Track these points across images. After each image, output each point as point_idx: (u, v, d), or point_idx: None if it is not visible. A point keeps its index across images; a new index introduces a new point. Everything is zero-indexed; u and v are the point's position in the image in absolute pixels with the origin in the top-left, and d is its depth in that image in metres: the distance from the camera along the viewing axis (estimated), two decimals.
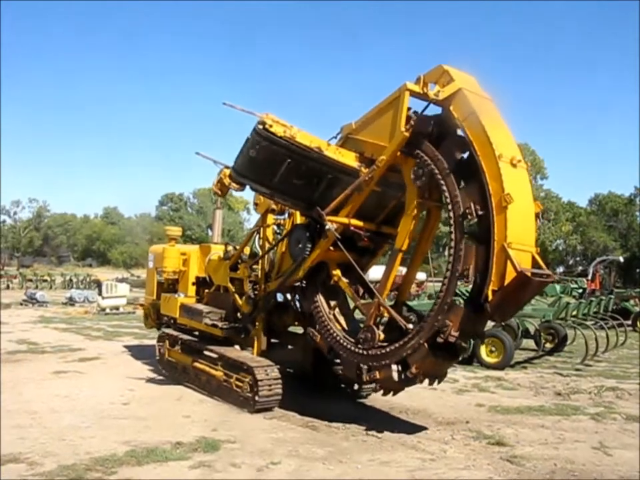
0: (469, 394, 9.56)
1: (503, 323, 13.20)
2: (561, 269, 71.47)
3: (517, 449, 6.60)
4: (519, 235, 6.16)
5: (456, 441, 6.87)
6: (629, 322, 19.43)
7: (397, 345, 6.79)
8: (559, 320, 12.62)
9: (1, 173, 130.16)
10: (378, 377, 6.95)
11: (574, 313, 13.32)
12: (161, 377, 9.96)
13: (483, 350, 12.02)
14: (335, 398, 8.96)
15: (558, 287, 23.30)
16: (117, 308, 22.37)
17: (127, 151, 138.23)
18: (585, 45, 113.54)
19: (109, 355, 12.34)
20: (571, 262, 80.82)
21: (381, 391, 7.45)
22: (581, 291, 22.78)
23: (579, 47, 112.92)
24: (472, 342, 12.00)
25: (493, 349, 11.96)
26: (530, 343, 14.31)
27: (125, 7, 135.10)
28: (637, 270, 75.19)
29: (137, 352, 12.61)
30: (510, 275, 6.01)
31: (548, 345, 13.69)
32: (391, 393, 7.42)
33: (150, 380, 9.83)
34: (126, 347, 13.56)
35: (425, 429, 7.36)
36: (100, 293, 22.77)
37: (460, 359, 6.99)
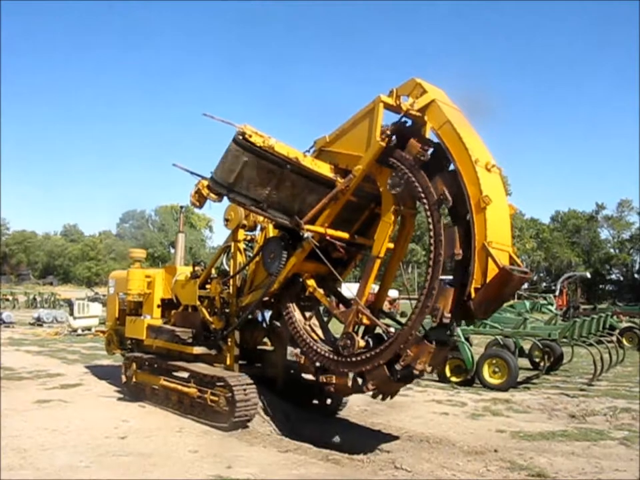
0: (484, 418, 9.14)
1: (501, 342, 12.99)
2: (525, 285, 72.43)
3: None
4: (498, 235, 6.30)
5: (492, 473, 6.42)
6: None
7: (380, 348, 6.76)
8: (564, 339, 12.35)
9: None
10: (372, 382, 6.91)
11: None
12: (154, 406, 9.22)
13: (485, 371, 11.66)
14: (346, 425, 8.45)
15: (527, 304, 23.17)
16: (89, 329, 21.28)
17: (86, 168, 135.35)
18: (556, 53, 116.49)
19: (91, 381, 11.53)
20: (535, 278, 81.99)
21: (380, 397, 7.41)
22: (565, 309, 22.68)
23: (549, 58, 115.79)
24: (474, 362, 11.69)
25: (497, 369, 11.60)
26: (524, 362, 14.04)
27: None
28: (600, 286, 76.87)
29: (120, 376, 11.78)
30: (492, 272, 6.13)
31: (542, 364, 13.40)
32: (384, 395, 7.44)
33: (143, 409, 9.10)
34: (107, 371, 12.69)
35: (455, 460, 6.88)
36: (71, 313, 21.67)
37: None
